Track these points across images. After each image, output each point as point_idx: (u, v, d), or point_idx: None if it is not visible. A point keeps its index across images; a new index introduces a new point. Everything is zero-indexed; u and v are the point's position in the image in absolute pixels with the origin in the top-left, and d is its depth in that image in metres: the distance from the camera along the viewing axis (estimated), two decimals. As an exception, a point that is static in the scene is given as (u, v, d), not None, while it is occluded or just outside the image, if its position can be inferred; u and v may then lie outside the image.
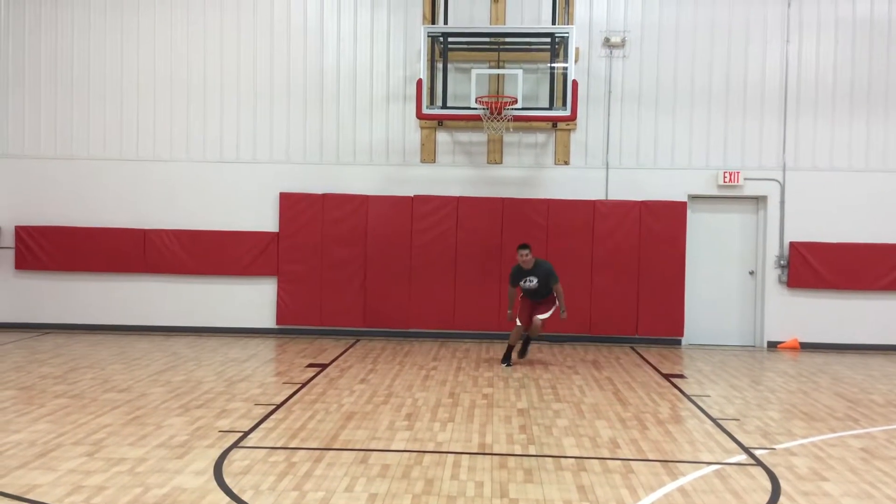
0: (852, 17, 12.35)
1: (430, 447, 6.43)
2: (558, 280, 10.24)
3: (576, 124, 12.42)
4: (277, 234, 12.54)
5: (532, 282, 10.17)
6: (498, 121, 11.09)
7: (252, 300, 12.63)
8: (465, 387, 8.92)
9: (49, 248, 12.62)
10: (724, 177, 12.34)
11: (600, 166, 12.54)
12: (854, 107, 12.37)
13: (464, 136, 12.62)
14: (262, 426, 6.99)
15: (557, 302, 10.24)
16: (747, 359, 11.43)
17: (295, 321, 12.55)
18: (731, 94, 12.45)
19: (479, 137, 12.53)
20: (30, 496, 5.11)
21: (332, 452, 6.22)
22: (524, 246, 10.19)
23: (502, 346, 11.97)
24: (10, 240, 12.75)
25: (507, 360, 10.36)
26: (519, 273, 10.24)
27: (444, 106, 11.56)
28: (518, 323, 10.28)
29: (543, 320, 10.24)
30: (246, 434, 6.71)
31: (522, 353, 10.56)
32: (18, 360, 10.15)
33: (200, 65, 12.75)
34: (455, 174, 12.59)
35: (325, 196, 12.47)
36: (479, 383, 9.14)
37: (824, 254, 12.23)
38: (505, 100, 11.17)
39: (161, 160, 12.78)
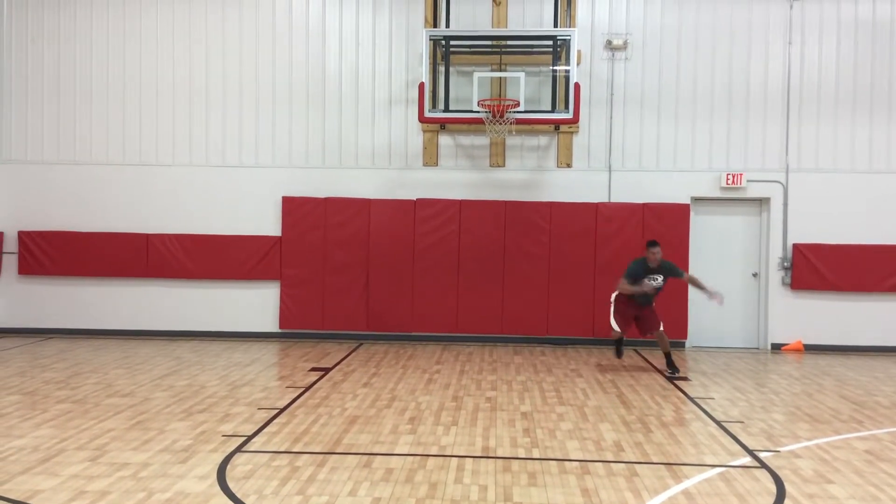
0: (854, 18, 12.34)
1: (434, 451, 6.41)
2: (684, 271, 10.20)
3: (578, 127, 12.41)
4: (280, 238, 12.53)
5: (657, 280, 9.97)
6: (500, 124, 11.08)
7: (255, 304, 12.63)
8: (468, 390, 8.90)
9: (52, 254, 12.64)
10: (727, 179, 12.33)
11: (603, 169, 12.53)
12: (857, 108, 12.35)
13: (466, 140, 12.62)
14: (265, 430, 6.98)
15: (699, 287, 9.99)
16: (751, 361, 11.40)
17: (298, 325, 12.54)
18: (733, 95, 12.44)
19: (482, 141, 12.53)
20: (33, 501, 5.11)
21: (335, 456, 6.21)
22: (655, 243, 9.99)
23: (505, 349, 11.99)
24: (13, 245, 12.77)
25: (618, 352, 10.54)
26: (644, 269, 9.94)
27: (447, 109, 11.57)
28: (617, 328, 10.15)
29: (663, 329, 10.17)
30: (249, 438, 6.70)
31: (673, 369, 10.07)
32: (21, 365, 10.16)
33: (203, 69, 12.77)
34: (457, 177, 12.59)
35: (327, 200, 12.47)
36: (483, 387, 9.12)
37: (828, 255, 12.21)
38: (507, 103, 11.16)
39: (164, 165, 12.79)
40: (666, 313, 12.09)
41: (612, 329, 10.31)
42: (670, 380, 9.77)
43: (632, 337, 10.83)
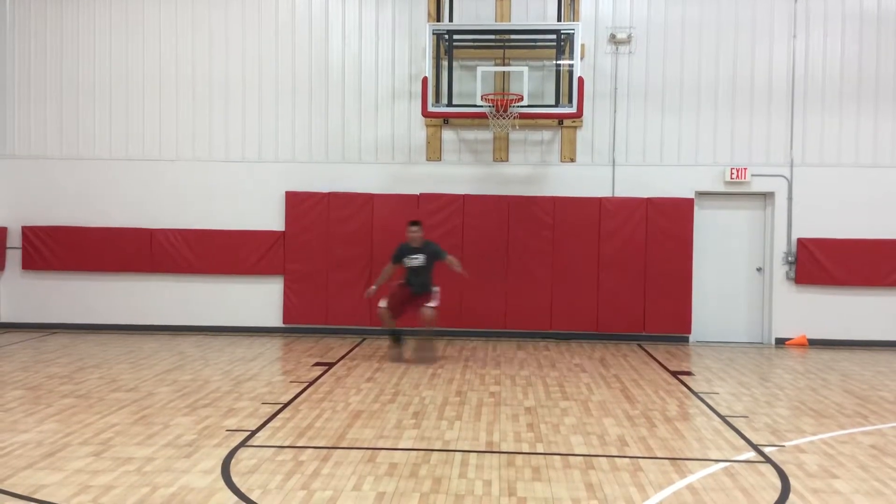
0: (859, 11, 12.28)
1: (438, 445, 6.41)
2: (447, 254, 10.33)
3: (582, 121, 12.38)
4: (283, 233, 12.53)
5: (418, 259, 10.24)
6: (504, 118, 11.06)
7: (258, 299, 12.64)
8: (472, 385, 8.90)
9: (56, 249, 12.65)
10: (732, 173, 12.29)
11: (606, 163, 12.51)
12: (862, 102, 12.30)
13: (469, 134, 12.60)
14: (269, 425, 6.98)
15: (451, 264, 10.19)
16: (755, 356, 11.38)
17: (301, 320, 12.55)
18: (737, 89, 12.40)
19: (485, 135, 12.51)
20: (37, 496, 5.11)
21: (339, 451, 6.21)
22: (416, 223, 10.37)
23: (509, 343, 11.98)
24: (16, 240, 12.78)
25: (397, 342, 10.48)
26: (404, 249, 10.33)
27: (450, 104, 11.55)
28: (384, 305, 10.23)
29: (434, 308, 10.22)
30: (253, 433, 6.70)
31: (430, 352, 10.45)
32: (25, 359, 10.17)
33: (206, 64, 12.75)
34: (461, 172, 12.57)
35: (330, 195, 12.47)
36: (486, 381, 9.12)
37: (832, 250, 12.18)
38: (511, 97, 11.15)
39: (167, 160, 12.79)
40: (670, 308, 12.15)
41: (379, 308, 10.33)
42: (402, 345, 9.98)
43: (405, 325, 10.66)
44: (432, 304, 10.25)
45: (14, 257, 12.80)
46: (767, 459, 6.15)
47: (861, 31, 12.29)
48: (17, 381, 8.73)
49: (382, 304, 10.31)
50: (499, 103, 11.04)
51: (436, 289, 10.40)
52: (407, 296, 10.37)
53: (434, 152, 12.60)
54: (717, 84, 12.42)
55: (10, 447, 6.18)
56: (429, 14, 12.29)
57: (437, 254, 10.34)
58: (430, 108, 11.33)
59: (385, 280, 10.46)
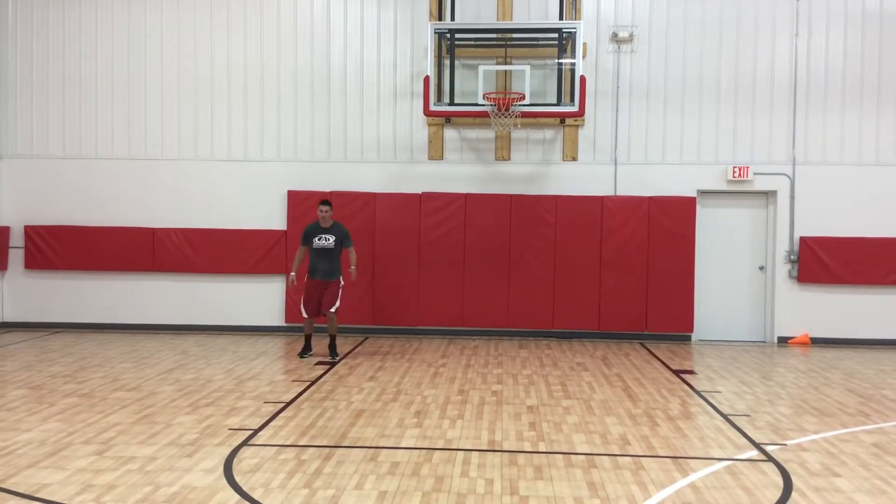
0: (862, 10, 12.26)
1: (440, 444, 6.42)
2: (352, 244, 10.39)
3: (584, 120, 12.37)
4: (285, 232, 12.54)
5: (328, 240, 10.23)
6: (505, 117, 11.05)
7: (260, 298, 12.64)
8: (474, 384, 8.90)
9: (58, 248, 12.66)
10: (734, 172, 12.28)
11: (609, 162, 12.50)
12: (864, 100, 12.28)
13: (471, 133, 12.60)
14: (271, 424, 6.99)
15: (350, 256, 10.26)
16: (758, 354, 11.37)
17: (303, 319, 12.51)
18: (740, 88, 12.38)
19: (487, 134, 12.50)
20: (40, 495, 5.12)
21: (341, 450, 6.22)
22: (326, 202, 10.35)
23: (511, 342, 11.98)
24: (19, 239, 12.79)
25: (305, 351, 10.45)
26: (314, 230, 10.30)
27: (452, 103, 11.54)
28: (305, 315, 10.34)
29: (336, 311, 10.32)
30: (255, 432, 6.71)
31: (333, 352, 10.42)
32: (28, 359, 10.19)
33: (208, 63, 12.76)
34: (463, 171, 12.57)
35: (332, 194, 12.45)
36: (489, 380, 9.12)
37: (835, 248, 12.16)
38: (512, 96, 11.13)
39: (169, 159, 12.80)
40: (672, 307, 12.13)
41: (302, 314, 10.41)
42: (332, 364, 9.97)
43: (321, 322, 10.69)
44: (334, 308, 10.27)
45: (17, 257, 12.82)
46: (770, 458, 6.15)
47: (864, 30, 12.27)
48: (19, 381, 8.75)
49: (304, 313, 10.36)
50: (501, 102, 11.04)
51: (341, 279, 10.41)
52: (317, 290, 10.31)
53: (436, 151, 12.60)
54: (720, 83, 12.40)
55: (13, 446, 6.20)
56: (430, 13, 12.28)
57: (345, 238, 10.34)
58: (432, 107, 11.33)
59: (299, 264, 10.42)
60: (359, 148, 12.69)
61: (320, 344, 10.85)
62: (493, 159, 12.60)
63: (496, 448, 6.34)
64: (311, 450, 6.21)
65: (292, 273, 10.38)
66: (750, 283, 12.59)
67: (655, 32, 12.43)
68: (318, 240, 10.26)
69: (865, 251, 12.12)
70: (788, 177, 12.35)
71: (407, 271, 12.39)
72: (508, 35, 12.22)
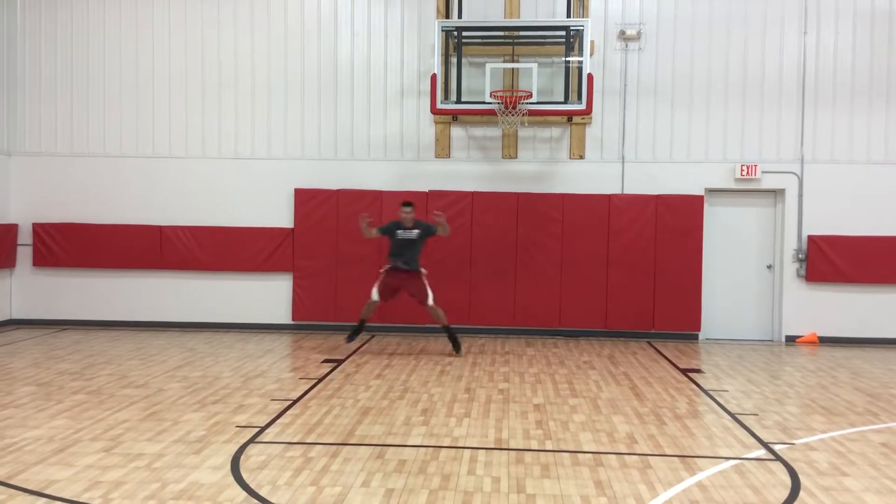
0: (871, 7, 12.20)
1: (447, 442, 6.41)
2: (438, 226, 10.46)
3: (591, 118, 12.35)
4: (292, 229, 12.55)
5: (412, 232, 10.39)
6: (513, 115, 11.04)
7: (267, 296, 12.66)
8: (480, 382, 8.90)
9: (66, 245, 12.70)
10: (742, 170, 12.24)
11: (616, 160, 12.47)
12: (873, 98, 12.22)
13: (478, 131, 12.59)
14: (278, 421, 7.00)
15: (441, 227, 10.34)
16: (765, 353, 11.34)
17: (310, 317, 12.57)
18: (748, 86, 12.33)
19: (494, 132, 12.49)
20: (48, 491, 5.14)
21: (348, 448, 6.22)
22: (409, 203, 10.57)
23: (518, 340, 11.97)
24: (27, 237, 12.84)
25: (354, 335, 10.62)
26: (396, 225, 10.50)
27: (459, 101, 11.53)
28: (375, 297, 10.42)
29: (435, 302, 10.42)
30: (263, 429, 6.72)
31: (457, 348, 10.56)
32: (36, 356, 10.22)
33: (215, 61, 12.78)
34: (470, 169, 12.56)
35: (339, 192, 12.47)
36: (495, 378, 9.11)
37: (843, 247, 12.11)
38: (520, 94, 11.11)
39: (177, 157, 12.82)
40: (679, 306, 12.11)
41: (370, 298, 10.48)
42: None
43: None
44: (430, 301, 10.39)
45: (25, 254, 12.86)
46: (777, 457, 6.13)
47: (872, 27, 12.21)
48: (28, 377, 8.78)
49: (374, 296, 10.44)
50: (508, 100, 11.02)
51: (423, 270, 10.53)
52: (396, 281, 10.46)
53: (443, 149, 12.59)
54: (728, 80, 12.36)
55: (22, 443, 6.22)
56: (438, 11, 12.27)
57: (430, 228, 10.50)
58: (439, 105, 11.32)
59: (368, 233, 10.56)
60: (366, 146, 12.69)
61: (326, 343, 10.85)
62: (500, 157, 12.58)
63: (503, 446, 6.33)
64: (318, 447, 6.21)
65: (366, 216, 10.47)
66: (758, 282, 12.55)
67: (663, 30, 12.40)
68: (401, 233, 10.43)
69: (874, 250, 12.07)
70: (797, 175, 12.31)
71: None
72: (516, 33, 12.19)
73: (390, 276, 10.53)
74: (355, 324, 10.74)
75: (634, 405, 7.87)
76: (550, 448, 6.29)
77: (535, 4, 12.42)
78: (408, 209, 10.48)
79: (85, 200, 12.80)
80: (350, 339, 10.68)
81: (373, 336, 12.22)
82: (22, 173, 12.91)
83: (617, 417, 7.34)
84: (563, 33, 11.74)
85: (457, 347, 10.58)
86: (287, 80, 12.72)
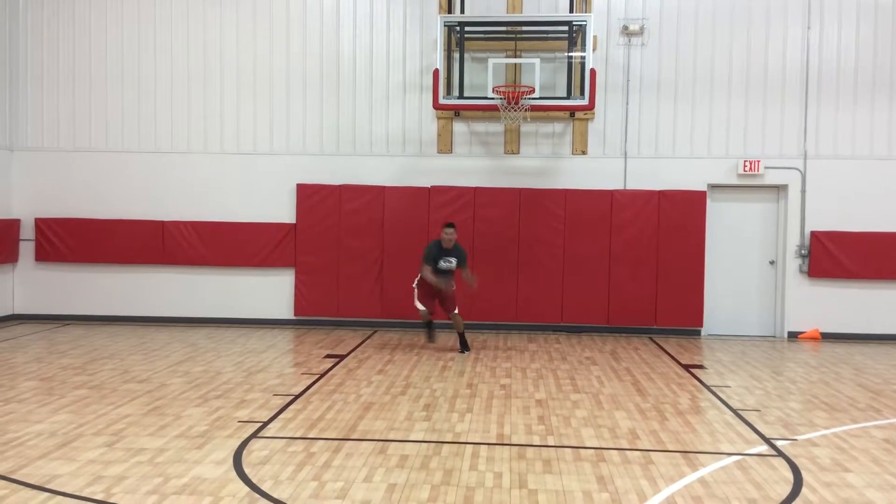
0: (874, 1, 12.16)
1: (449, 438, 6.42)
2: (467, 266, 10.61)
3: (594, 113, 12.33)
4: (294, 225, 12.55)
5: (451, 262, 10.40)
6: (515, 111, 11.02)
7: (269, 291, 12.66)
8: (482, 377, 8.90)
9: (68, 240, 12.70)
10: (745, 165, 12.22)
11: (618, 156, 12.45)
12: (876, 94, 12.19)
13: (480, 127, 12.57)
14: (280, 416, 7.00)
15: (465, 277, 10.52)
16: (768, 349, 11.33)
17: (312, 312, 12.57)
18: (751, 81, 12.31)
19: (496, 127, 12.47)
20: (50, 486, 5.15)
21: (350, 443, 6.23)
22: (451, 225, 10.52)
23: (520, 336, 11.97)
24: (29, 232, 12.84)
25: (429, 336, 10.88)
26: (440, 252, 10.41)
27: (461, 96, 11.51)
28: (422, 307, 10.51)
29: (458, 312, 10.60)
30: (265, 424, 6.72)
31: (464, 347, 10.61)
32: (39, 351, 10.24)
33: (217, 56, 12.76)
34: (472, 164, 12.54)
35: (341, 187, 12.47)
36: (497, 374, 9.11)
37: (846, 243, 12.09)
38: (522, 89, 11.09)
39: (179, 152, 12.82)
40: (682, 301, 12.10)
41: (419, 310, 10.57)
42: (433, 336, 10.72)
43: (438, 318, 10.96)
44: (456, 310, 10.56)
45: (27, 249, 12.87)
46: (780, 453, 6.12)
47: (876, 22, 12.17)
48: (30, 372, 8.79)
49: (420, 306, 10.51)
50: (510, 95, 11.00)
51: (453, 284, 10.60)
52: (434, 290, 10.49)
53: (445, 145, 12.58)
54: (731, 76, 12.33)
55: (24, 437, 6.23)
56: (440, 5, 12.25)
57: (463, 262, 10.52)
58: (442, 101, 11.30)
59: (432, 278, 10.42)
60: (368, 141, 12.68)
61: (328, 338, 10.83)
62: (503, 153, 12.57)
63: (505, 442, 6.33)
64: (320, 442, 6.22)
65: (434, 280, 10.33)
66: (760, 278, 12.54)
67: (666, 25, 12.37)
68: (445, 262, 10.39)
69: (877, 246, 12.05)
70: (800, 171, 12.28)
71: (416, 265, 12.27)
72: (518, 28, 12.17)
73: (427, 287, 10.50)
74: (426, 326, 10.96)
75: (636, 401, 7.86)
76: (552, 443, 6.29)
77: (537, -1, 12.41)
78: (450, 230, 10.40)
79: (87, 195, 12.80)
80: (429, 339, 10.94)
81: (375, 331, 12.23)
82: (24, 168, 12.91)
83: (619, 413, 7.34)
84: (566, 28, 11.70)
85: (465, 348, 10.62)
86: (289, 75, 12.71)
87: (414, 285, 10.61)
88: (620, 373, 9.33)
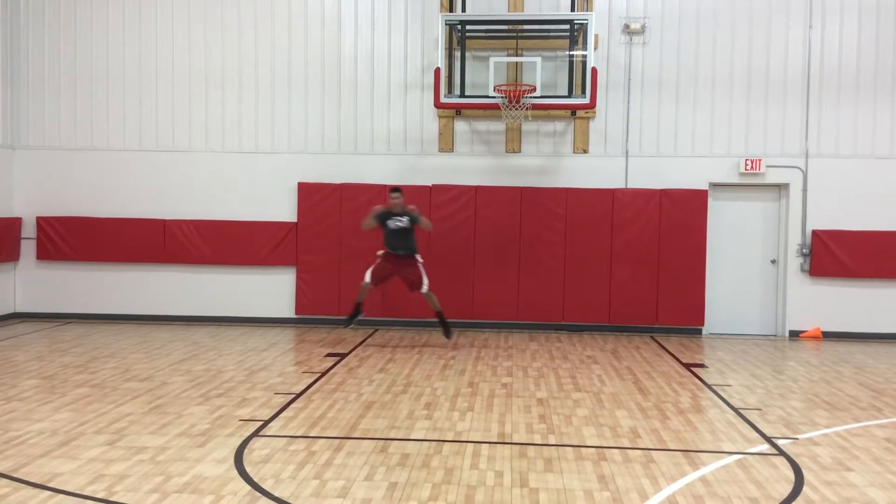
0: (876, 1, 12.14)
1: (450, 436, 6.42)
2: (420, 216, 10.49)
3: (595, 112, 12.32)
4: (296, 224, 12.55)
5: (402, 221, 10.39)
6: (516, 109, 11.01)
7: (271, 290, 12.67)
8: (483, 376, 8.90)
9: (70, 239, 12.71)
10: (746, 164, 12.21)
11: (620, 154, 12.45)
12: (878, 93, 12.18)
13: (482, 125, 12.57)
14: (282, 415, 7.01)
15: (422, 224, 10.41)
16: (769, 348, 11.33)
17: (313, 311, 12.57)
18: (752, 80, 12.30)
19: (497, 126, 12.46)
20: (52, 484, 5.15)
21: (351, 441, 6.23)
22: (397, 189, 10.59)
23: (521, 335, 11.97)
24: (31, 230, 12.85)
25: (352, 319, 10.66)
26: (387, 213, 10.47)
27: (462, 95, 11.52)
28: (368, 280, 10.45)
29: (429, 289, 10.44)
30: (266, 423, 6.73)
31: (447, 333, 10.65)
32: (40, 349, 10.25)
33: (218, 55, 12.76)
34: (473, 163, 12.54)
35: (343, 186, 12.47)
36: (498, 373, 9.12)
37: (847, 242, 12.08)
38: (523, 88, 11.10)
39: (180, 151, 12.82)
40: (683, 300, 12.09)
41: (362, 283, 10.50)
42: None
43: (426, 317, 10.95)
44: (425, 288, 10.41)
45: (29, 248, 12.87)
46: (781, 452, 6.13)
47: (878, 21, 12.16)
48: (32, 371, 8.80)
49: (367, 278, 10.45)
50: (511, 94, 11.00)
51: (419, 258, 10.56)
52: (392, 266, 10.48)
53: (446, 143, 12.58)
54: (732, 74, 12.32)
55: (26, 436, 6.23)
56: (441, 4, 12.24)
57: (416, 218, 10.45)
58: (443, 99, 11.30)
59: (369, 227, 10.56)
60: (369, 140, 12.68)
61: (329, 337, 10.85)
62: (504, 152, 12.57)
63: (506, 440, 6.33)
64: (322, 441, 6.22)
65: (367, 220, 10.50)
66: (761, 277, 12.53)
67: (667, 24, 12.36)
68: (392, 221, 10.43)
69: (878, 245, 12.04)
70: (801, 170, 12.27)
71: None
72: (519, 26, 12.17)
73: (386, 259, 10.55)
74: (353, 311, 10.75)
75: (638, 400, 7.87)
76: (554, 442, 6.30)
77: (539, -2, 12.40)
78: (395, 195, 10.47)
79: (89, 194, 12.81)
80: (347, 324, 10.74)
81: (376, 330, 12.23)
82: (26, 167, 12.91)
83: (620, 412, 7.34)
84: (568, 27, 11.71)
85: (447, 332, 10.64)
86: (290, 74, 12.71)
87: (378, 253, 10.60)
88: (622, 371, 9.33)
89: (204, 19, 12.76)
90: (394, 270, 10.52)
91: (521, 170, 12.50)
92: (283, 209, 12.63)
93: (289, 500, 4.94)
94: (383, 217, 10.47)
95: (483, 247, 12.30)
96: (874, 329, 12.12)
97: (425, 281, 10.42)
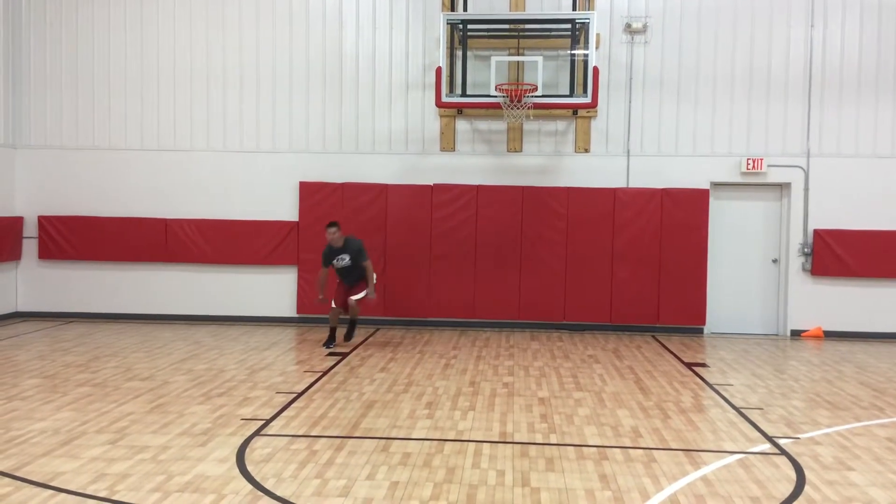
0: (878, 0, 12.13)
1: (451, 436, 6.42)
2: (367, 258, 10.51)
3: (596, 111, 12.32)
4: (297, 223, 12.55)
5: (344, 259, 10.40)
6: (518, 108, 11.01)
7: (272, 289, 12.67)
8: (485, 375, 8.90)
9: (71, 238, 12.72)
10: (748, 164, 12.20)
11: (621, 154, 12.44)
12: (879, 92, 12.17)
13: (483, 125, 12.56)
14: (283, 414, 7.01)
15: (367, 281, 10.48)
16: (770, 347, 11.32)
17: (315, 310, 12.55)
18: (754, 79, 12.29)
19: (499, 125, 12.46)
20: (54, 483, 5.16)
21: (353, 440, 6.23)
22: (332, 224, 10.50)
23: (522, 334, 11.97)
24: (33, 230, 12.86)
25: (329, 342, 10.61)
26: (330, 252, 10.46)
27: (464, 94, 11.52)
28: (333, 305, 10.53)
29: (357, 300, 10.47)
30: (268, 422, 6.73)
31: (349, 336, 10.69)
32: (42, 348, 10.25)
33: (220, 55, 12.76)
34: (474, 162, 12.54)
35: (344, 185, 12.47)
36: (500, 372, 9.12)
37: (849, 241, 12.07)
38: (525, 87, 11.09)
39: (182, 150, 12.82)
40: (684, 299, 12.09)
41: (331, 304, 10.57)
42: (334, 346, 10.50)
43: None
44: (358, 296, 10.46)
45: (30, 247, 12.88)
46: (782, 451, 6.12)
47: (880, 20, 12.15)
48: (33, 370, 8.80)
49: (334, 305, 10.55)
50: (513, 93, 11.00)
51: (367, 288, 10.58)
52: (344, 289, 10.59)
53: (448, 143, 12.58)
54: (734, 74, 12.31)
55: (28, 435, 6.24)
56: (443, 3, 12.24)
57: (359, 254, 10.45)
58: (444, 99, 11.30)
59: (323, 283, 10.54)
60: (370, 139, 12.68)
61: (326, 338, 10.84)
62: (505, 151, 12.56)
63: (508, 440, 6.34)
64: (323, 440, 6.23)
65: (320, 296, 10.54)
66: (763, 276, 12.53)
67: (669, 23, 12.35)
68: (338, 261, 10.44)
69: (880, 244, 12.04)
70: (803, 169, 12.26)
71: (418, 263, 12.38)
72: (521, 26, 12.17)
73: (340, 287, 10.62)
74: (330, 335, 10.76)
75: (639, 399, 7.87)
76: (555, 441, 6.30)
77: (540, -3, 12.39)
78: (331, 230, 10.39)
79: (90, 193, 12.81)
80: (327, 345, 10.60)
81: (377, 329, 12.23)
82: (27, 166, 12.92)
83: (622, 411, 7.34)
84: (569, 26, 11.70)
85: (349, 336, 10.67)
86: (292, 74, 12.71)
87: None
88: (623, 371, 9.32)
89: (205, 18, 12.76)
90: (348, 290, 10.57)
91: (522, 169, 12.50)
92: (285, 208, 12.63)
93: (290, 500, 4.95)
94: (328, 258, 10.49)
95: (484, 246, 12.30)
96: (876, 328, 12.11)
97: (360, 295, 10.46)
